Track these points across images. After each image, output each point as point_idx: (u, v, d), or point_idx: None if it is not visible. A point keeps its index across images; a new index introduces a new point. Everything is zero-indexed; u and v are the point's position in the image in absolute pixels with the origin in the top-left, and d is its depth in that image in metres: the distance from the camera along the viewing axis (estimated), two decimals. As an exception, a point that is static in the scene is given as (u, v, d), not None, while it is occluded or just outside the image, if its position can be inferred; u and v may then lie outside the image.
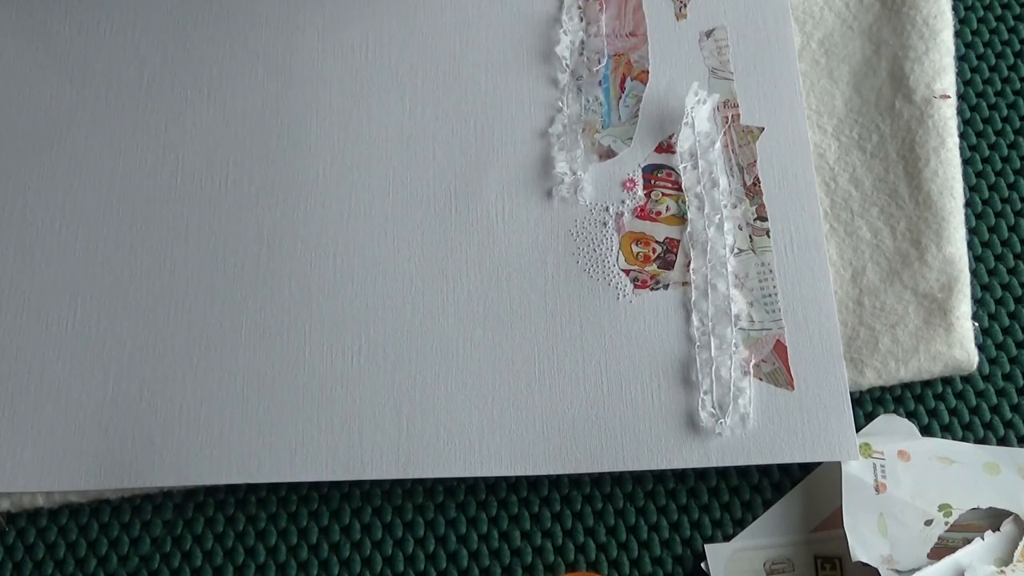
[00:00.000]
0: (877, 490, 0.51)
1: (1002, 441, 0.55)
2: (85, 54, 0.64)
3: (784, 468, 0.54)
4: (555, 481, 0.55)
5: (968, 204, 0.59)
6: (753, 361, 0.55)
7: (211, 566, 0.54)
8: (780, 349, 0.55)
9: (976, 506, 0.51)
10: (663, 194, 0.59)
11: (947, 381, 0.56)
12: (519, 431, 0.54)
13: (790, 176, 0.58)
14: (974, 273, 0.57)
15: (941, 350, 0.55)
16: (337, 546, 0.54)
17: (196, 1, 0.65)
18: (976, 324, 0.56)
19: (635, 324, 0.56)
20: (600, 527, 0.54)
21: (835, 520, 0.51)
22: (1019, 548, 0.50)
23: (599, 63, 0.62)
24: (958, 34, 0.63)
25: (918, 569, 0.49)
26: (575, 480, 0.54)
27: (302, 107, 0.62)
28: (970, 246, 0.58)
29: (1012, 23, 0.64)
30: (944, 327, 0.55)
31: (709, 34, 0.62)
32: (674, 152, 0.59)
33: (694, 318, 0.56)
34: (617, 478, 0.54)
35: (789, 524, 0.53)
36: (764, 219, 0.57)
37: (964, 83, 0.62)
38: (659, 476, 0.54)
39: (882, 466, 0.52)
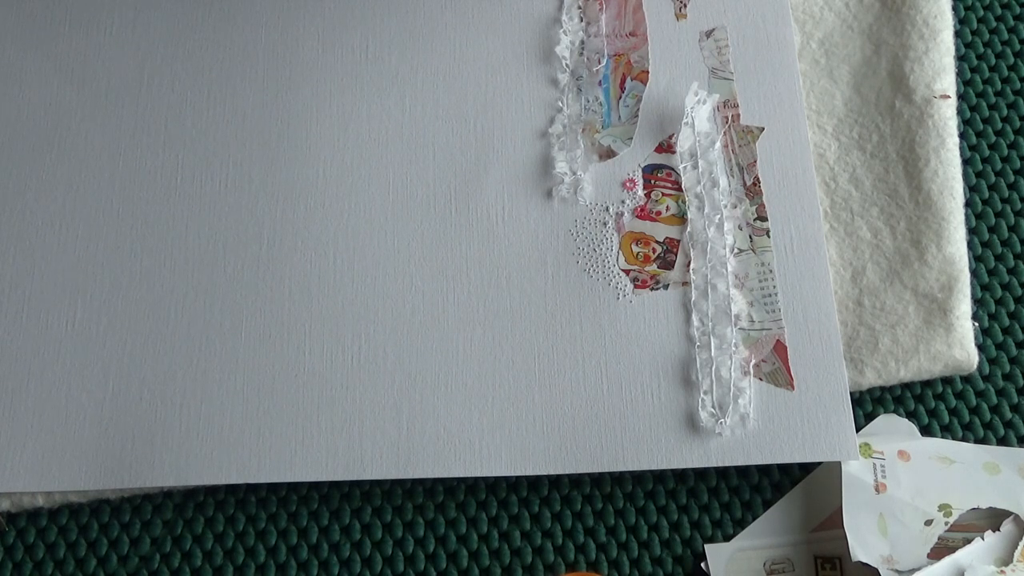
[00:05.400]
0: (877, 490, 0.51)
1: (1002, 441, 0.55)
2: (85, 54, 0.64)
3: (784, 468, 0.54)
4: (555, 481, 0.55)
5: (968, 204, 0.59)
6: (753, 361, 0.55)
7: (211, 566, 0.54)
8: (780, 349, 0.55)
9: (976, 506, 0.51)
10: (663, 194, 0.59)
11: (947, 381, 0.56)
12: (519, 431, 0.54)
13: (790, 176, 0.58)
14: (974, 273, 0.57)
15: (941, 350, 0.55)
16: (337, 546, 0.54)
17: (196, 1, 0.65)
18: (976, 324, 0.56)
19: (635, 324, 0.56)
20: (600, 527, 0.54)
21: (835, 520, 0.51)
22: (1019, 548, 0.50)
23: (599, 63, 0.62)
24: (958, 34, 0.63)
25: (918, 569, 0.49)
26: (575, 480, 0.54)
27: (302, 107, 0.62)
28: (970, 246, 0.58)
29: (1012, 23, 0.64)
30: (944, 327, 0.55)
31: (709, 34, 0.62)
32: (674, 152, 0.59)
33: (694, 318, 0.56)
34: (617, 478, 0.54)
35: (789, 524, 0.53)
36: (764, 219, 0.57)
37: (964, 83, 0.62)
38: (659, 476, 0.54)
39: (882, 466, 0.52)
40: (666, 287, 0.57)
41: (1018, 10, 0.64)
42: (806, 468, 0.54)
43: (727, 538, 0.53)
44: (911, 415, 0.55)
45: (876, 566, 0.49)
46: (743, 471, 0.54)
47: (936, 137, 0.59)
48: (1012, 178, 0.60)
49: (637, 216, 0.58)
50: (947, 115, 0.60)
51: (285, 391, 0.55)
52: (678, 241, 0.58)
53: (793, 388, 0.54)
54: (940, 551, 0.50)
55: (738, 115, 0.60)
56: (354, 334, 0.56)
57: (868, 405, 0.55)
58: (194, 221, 0.59)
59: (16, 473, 0.54)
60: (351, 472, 0.53)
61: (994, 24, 0.64)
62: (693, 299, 0.56)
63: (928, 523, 0.51)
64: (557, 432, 0.54)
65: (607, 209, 0.58)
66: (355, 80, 0.62)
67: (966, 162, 0.60)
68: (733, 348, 0.55)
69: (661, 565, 0.53)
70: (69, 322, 0.57)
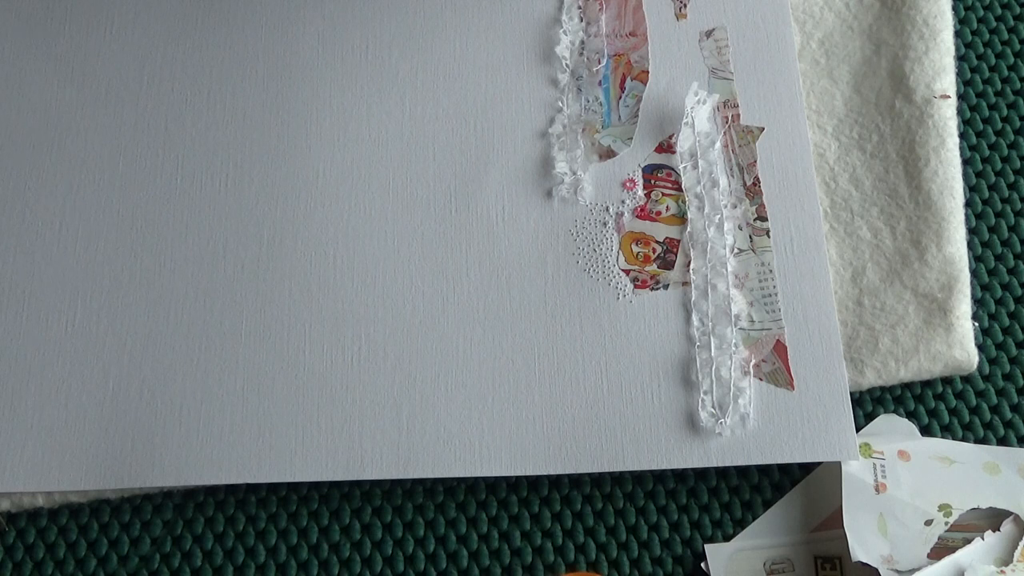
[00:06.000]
0: (877, 490, 0.51)
1: (1002, 441, 0.55)
2: (85, 54, 0.64)
3: (784, 468, 0.54)
4: (555, 481, 0.55)
5: (968, 204, 0.59)
6: (753, 361, 0.55)
7: (211, 566, 0.54)
8: (780, 349, 0.55)
9: (976, 506, 0.51)
10: (663, 194, 0.59)
11: (947, 381, 0.56)
12: (519, 431, 0.54)
13: (790, 176, 0.58)
14: (974, 273, 0.57)
15: (941, 350, 0.55)
16: (337, 546, 0.54)
17: (196, 1, 0.65)
18: (976, 324, 0.56)
19: (635, 324, 0.56)
20: (600, 527, 0.54)
21: (835, 520, 0.51)
22: (1019, 548, 0.50)
23: (599, 63, 0.62)
24: (958, 34, 0.63)
25: (918, 569, 0.49)
26: (575, 480, 0.54)
27: (302, 107, 0.62)
28: (970, 246, 0.58)
29: (1012, 23, 0.64)
30: (944, 327, 0.55)
31: (709, 34, 0.62)
32: (674, 152, 0.59)
33: (694, 318, 0.56)
34: (617, 478, 0.54)
35: (789, 524, 0.53)
36: (764, 219, 0.57)
37: (964, 83, 0.62)
38: (659, 476, 0.54)
39: (882, 466, 0.52)
40: (666, 287, 0.57)
41: (1018, 10, 0.64)
42: (806, 468, 0.54)
43: (727, 538, 0.53)
44: (911, 415, 0.55)
45: (876, 566, 0.49)
46: (743, 471, 0.54)
47: (936, 137, 0.59)
48: (1012, 178, 0.60)
49: (637, 216, 0.58)
50: (947, 115, 0.60)
51: (285, 391, 0.55)
52: (678, 241, 0.58)
53: (793, 388, 0.54)
54: (940, 551, 0.50)
55: (738, 115, 0.60)
56: (354, 334, 0.56)
57: (868, 405, 0.55)
58: (194, 221, 0.59)
59: (16, 473, 0.54)
60: (351, 472, 0.53)
61: (994, 24, 0.64)
62: (693, 299, 0.56)
63: (928, 523, 0.51)
64: (557, 432, 0.54)
65: (607, 209, 0.58)
66: (355, 80, 0.62)
67: (966, 162, 0.60)
68: (733, 348, 0.55)
69: (661, 565, 0.53)
70: (69, 322, 0.57)
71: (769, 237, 0.57)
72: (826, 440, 0.53)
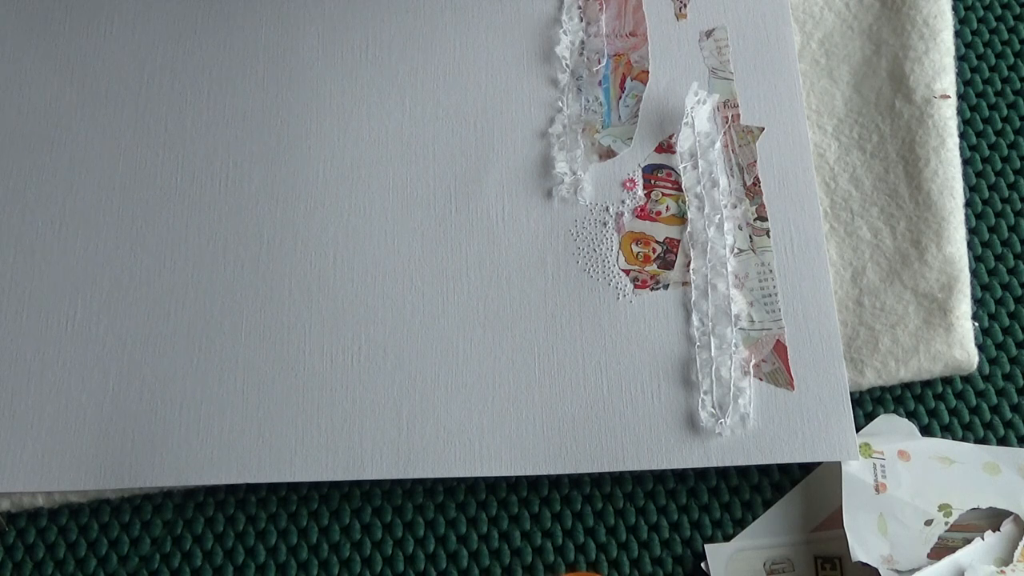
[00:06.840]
0: (877, 490, 0.51)
1: (1002, 441, 0.55)
2: (85, 54, 0.64)
3: (784, 468, 0.54)
4: (555, 481, 0.55)
5: (968, 204, 0.59)
6: (753, 361, 0.55)
7: (211, 566, 0.54)
8: (780, 349, 0.55)
9: (976, 506, 0.51)
10: (663, 194, 0.59)
11: (947, 381, 0.56)
12: (519, 431, 0.54)
13: (790, 176, 0.58)
14: (974, 273, 0.58)
15: (941, 350, 0.55)
16: (337, 546, 0.54)
17: (196, 1, 0.65)
18: (976, 324, 0.56)
19: (635, 324, 0.56)
20: (600, 527, 0.54)
21: (835, 520, 0.51)
22: (1019, 548, 0.50)
23: (599, 63, 0.62)
24: (958, 34, 0.63)
25: (918, 569, 0.49)
26: (575, 480, 0.54)
27: (302, 107, 0.62)
28: (970, 246, 0.58)
29: (1012, 23, 0.64)
30: (944, 327, 0.55)
31: (709, 34, 0.62)
32: (674, 152, 0.59)
33: (694, 318, 0.56)
34: (617, 478, 0.54)
35: (789, 524, 0.53)
36: (764, 219, 0.57)
37: (964, 83, 0.62)
38: (659, 476, 0.54)
39: (882, 466, 0.52)
40: (666, 287, 0.57)
41: (1018, 10, 0.64)
42: (806, 468, 0.54)
43: (727, 538, 0.53)
44: (911, 415, 0.55)
45: (876, 566, 0.49)
46: (743, 471, 0.54)
47: (936, 137, 0.59)
48: (1012, 178, 0.60)
49: (637, 216, 0.58)
50: (947, 115, 0.60)
51: (285, 391, 0.55)
52: (678, 241, 0.58)
53: (793, 388, 0.54)
54: (940, 551, 0.50)
55: (738, 115, 0.60)
56: (354, 334, 0.56)
57: (868, 405, 0.55)
58: (194, 221, 0.59)
59: (16, 473, 0.54)
60: (351, 472, 0.53)
61: (994, 24, 0.64)
62: (693, 299, 0.56)
63: (928, 523, 0.51)
64: (557, 432, 0.54)
65: (607, 209, 0.58)
66: (355, 80, 0.62)
67: (966, 162, 0.60)
68: (733, 348, 0.55)
69: (661, 565, 0.53)
70: (69, 322, 0.57)
71: (769, 237, 0.57)
72: (826, 440, 0.53)
